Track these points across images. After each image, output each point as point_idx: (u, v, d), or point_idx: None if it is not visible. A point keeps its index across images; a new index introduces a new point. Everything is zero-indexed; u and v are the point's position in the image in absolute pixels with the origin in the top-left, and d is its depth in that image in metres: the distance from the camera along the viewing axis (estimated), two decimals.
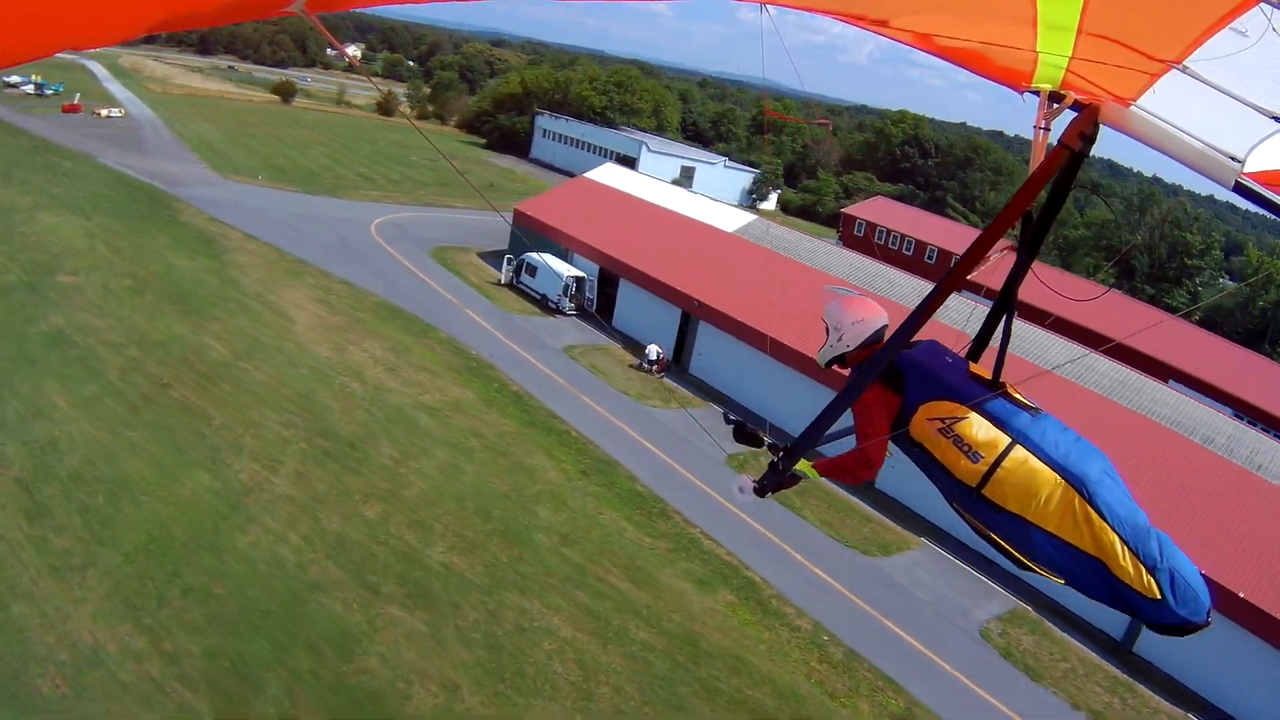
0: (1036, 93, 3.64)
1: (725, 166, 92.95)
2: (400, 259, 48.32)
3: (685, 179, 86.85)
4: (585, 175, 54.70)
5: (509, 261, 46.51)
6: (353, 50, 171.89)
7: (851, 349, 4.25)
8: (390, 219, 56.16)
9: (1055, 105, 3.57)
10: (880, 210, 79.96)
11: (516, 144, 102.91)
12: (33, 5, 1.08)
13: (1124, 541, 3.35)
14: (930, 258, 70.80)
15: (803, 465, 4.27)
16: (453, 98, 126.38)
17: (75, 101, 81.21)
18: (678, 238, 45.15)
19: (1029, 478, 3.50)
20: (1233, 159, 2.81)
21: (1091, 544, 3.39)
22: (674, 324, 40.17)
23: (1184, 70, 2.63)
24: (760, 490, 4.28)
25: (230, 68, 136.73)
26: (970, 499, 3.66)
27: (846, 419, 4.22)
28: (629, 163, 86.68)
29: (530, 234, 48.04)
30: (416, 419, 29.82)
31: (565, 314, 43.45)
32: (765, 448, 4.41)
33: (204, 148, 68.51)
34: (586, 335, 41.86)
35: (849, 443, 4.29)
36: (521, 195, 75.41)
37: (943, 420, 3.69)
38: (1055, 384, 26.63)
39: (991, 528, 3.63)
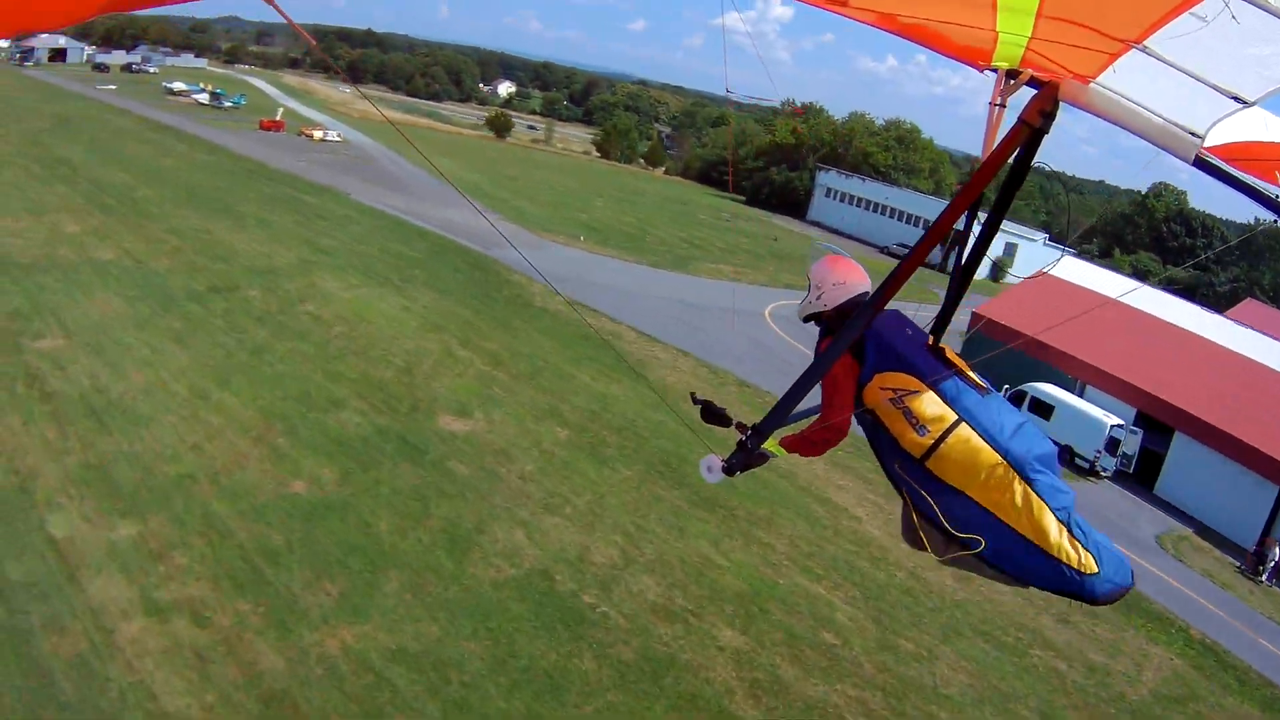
0: (997, 70, 3.58)
1: (1045, 244, 75.19)
2: None
3: (1009, 256, 69.63)
4: (1044, 270, 43.42)
5: (1004, 391, 34.47)
6: (506, 87, 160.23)
7: (828, 309, 4.24)
8: (777, 308, 40.72)
9: (1012, 81, 3.55)
10: (1262, 317, 60.55)
11: (792, 202, 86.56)
12: None
13: (1061, 522, 3.52)
14: None
15: (770, 444, 4.13)
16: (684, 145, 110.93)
17: (278, 118, 67.91)
18: (1244, 377, 34.70)
19: (971, 455, 3.61)
20: (1193, 134, 2.84)
21: (1029, 526, 3.53)
22: (1264, 504, 30.53)
23: (1144, 50, 2.67)
24: (729, 469, 4.11)
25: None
26: (914, 467, 3.76)
27: (810, 399, 4.15)
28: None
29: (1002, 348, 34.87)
30: None
31: (1101, 476, 32.75)
32: (733, 426, 4.21)
33: (477, 192, 53.21)
34: (1151, 514, 30.15)
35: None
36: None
37: (895, 391, 3.77)
38: None
39: (931, 495, 3.74)
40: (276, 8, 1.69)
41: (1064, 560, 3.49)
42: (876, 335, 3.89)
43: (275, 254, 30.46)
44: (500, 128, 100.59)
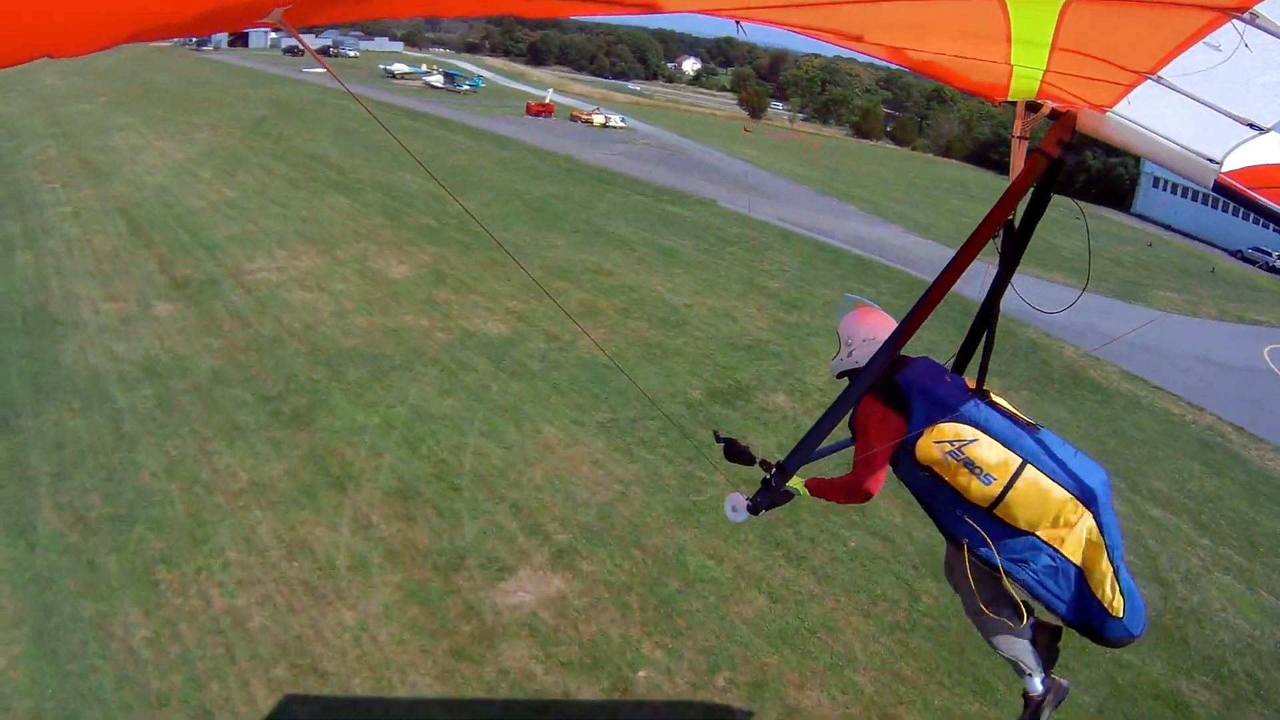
0: (1013, 104, 3.52)
1: None
2: None
3: None
4: None
5: None
6: (691, 64, 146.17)
7: (861, 365, 3.96)
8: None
9: (1032, 114, 3.47)
10: None
11: (1114, 192, 69.07)
12: (6, 13, 1.06)
13: (1111, 562, 3.49)
14: None
15: (795, 483, 3.94)
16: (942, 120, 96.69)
17: (547, 101, 58.65)
18: None
19: (1041, 498, 3.49)
20: (1210, 160, 2.76)
21: (1080, 556, 3.50)
22: None
23: (1159, 80, 2.61)
24: (754, 509, 3.91)
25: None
26: (980, 517, 3.60)
27: (838, 434, 3.98)
28: None
29: None
30: None
31: None
32: (757, 465, 4.04)
33: (846, 196, 40.62)
34: None
35: (839, 460, 4.44)
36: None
37: (951, 443, 3.58)
38: None
39: (994, 540, 3.60)
40: (302, 42, 1.72)
41: (1099, 596, 3.49)
42: (920, 388, 3.71)
43: (730, 309, 18.00)
44: (757, 108, 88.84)
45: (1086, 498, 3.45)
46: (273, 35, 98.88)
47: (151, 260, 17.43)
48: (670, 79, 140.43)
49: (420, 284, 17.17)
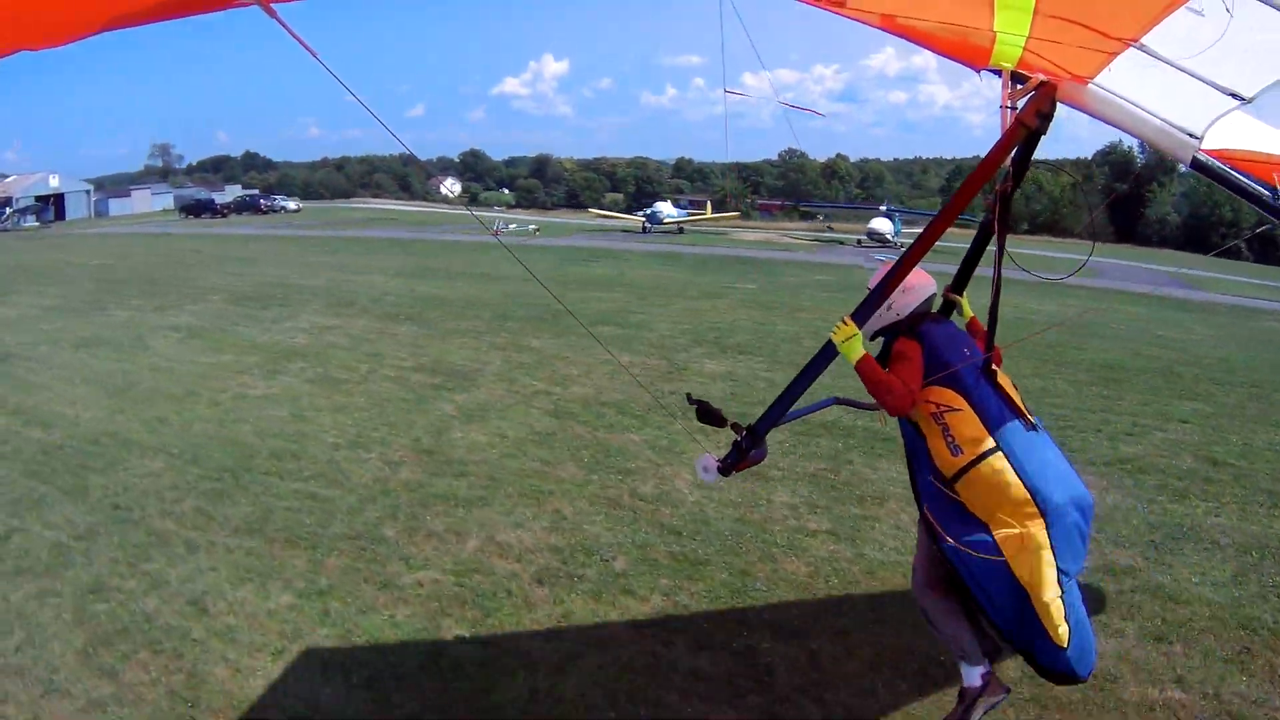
0: (997, 71, 3.43)
1: None
2: None
3: None
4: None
5: None
6: (451, 184, 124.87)
7: (901, 318, 3.87)
8: None
9: (1019, 86, 3.36)
10: None
11: None
12: None
13: (1060, 585, 3.26)
14: None
15: (852, 351, 3.53)
16: None
17: None
18: None
19: (1000, 487, 3.33)
20: (1191, 135, 2.64)
21: (1027, 572, 3.26)
22: None
23: (1141, 48, 2.51)
24: (725, 470, 3.81)
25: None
26: (944, 486, 3.52)
27: (810, 397, 3.92)
28: None
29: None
30: None
31: None
32: (729, 427, 3.88)
33: None
34: None
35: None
36: None
37: (938, 405, 3.53)
38: None
39: (951, 517, 3.50)
40: (284, 25, 1.49)
41: (1042, 620, 3.25)
42: (933, 349, 3.59)
43: None
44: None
45: (1045, 506, 3.24)
46: (95, 196, 77.60)
47: None
48: (448, 200, 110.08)
49: None
